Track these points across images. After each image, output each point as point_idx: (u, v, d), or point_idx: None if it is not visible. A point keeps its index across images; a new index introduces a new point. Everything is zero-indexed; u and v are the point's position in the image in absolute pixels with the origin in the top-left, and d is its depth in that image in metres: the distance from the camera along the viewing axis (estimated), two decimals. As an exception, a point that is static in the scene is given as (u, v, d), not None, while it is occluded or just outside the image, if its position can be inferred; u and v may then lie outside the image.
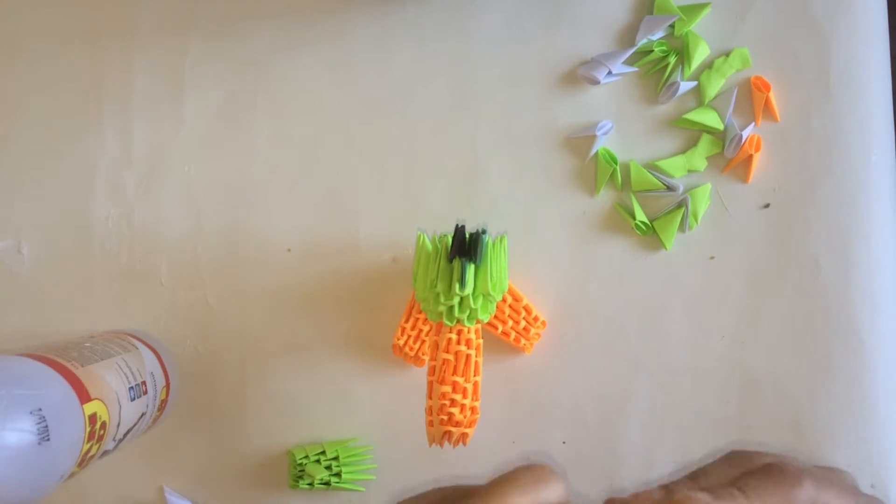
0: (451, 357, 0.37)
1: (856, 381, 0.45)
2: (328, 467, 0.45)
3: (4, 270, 0.47)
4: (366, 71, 0.47)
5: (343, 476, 0.45)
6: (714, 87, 0.45)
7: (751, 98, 0.45)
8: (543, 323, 0.45)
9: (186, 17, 0.47)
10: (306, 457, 0.45)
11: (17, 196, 0.47)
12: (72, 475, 0.34)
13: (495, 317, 0.44)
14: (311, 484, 0.45)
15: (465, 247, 0.36)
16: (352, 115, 0.47)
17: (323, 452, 0.45)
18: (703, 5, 0.45)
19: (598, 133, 0.45)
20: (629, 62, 0.45)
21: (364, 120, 0.47)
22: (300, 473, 0.45)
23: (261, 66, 0.47)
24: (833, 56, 0.45)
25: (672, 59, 0.45)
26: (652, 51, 0.45)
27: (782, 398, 0.45)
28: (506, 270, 0.39)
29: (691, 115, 0.45)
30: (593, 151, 0.45)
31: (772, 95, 0.45)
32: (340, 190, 0.47)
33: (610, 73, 0.45)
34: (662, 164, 0.45)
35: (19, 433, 0.30)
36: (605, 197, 0.46)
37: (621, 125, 0.46)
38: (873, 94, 0.45)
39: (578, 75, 0.46)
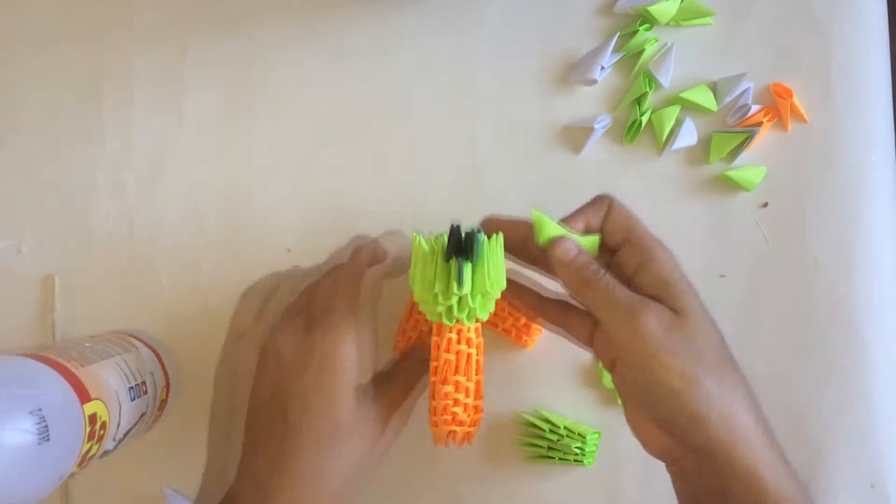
0: (452, 357, 0.37)
1: (856, 381, 0.45)
2: None
3: (4, 270, 0.47)
4: (366, 71, 0.47)
5: None
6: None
7: (775, 104, 0.45)
8: (544, 321, 0.45)
9: (186, 17, 0.47)
10: None
11: (17, 196, 0.47)
12: (72, 475, 0.34)
13: (495, 315, 0.44)
14: None
15: (462, 246, 0.36)
16: (352, 114, 0.47)
17: None
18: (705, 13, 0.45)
19: (597, 126, 0.45)
20: (616, 50, 0.45)
21: (364, 120, 0.47)
22: None
23: (261, 66, 0.47)
24: (833, 56, 0.45)
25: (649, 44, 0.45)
26: (636, 31, 0.45)
27: (782, 398, 0.45)
28: (503, 268, 0.39)
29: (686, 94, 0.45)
30: (589, 146, 0.45)
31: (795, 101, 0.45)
32: (340, 190, 0.47)
33: (603, 68, 0.45)
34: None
35: (19, 433, 0.30)
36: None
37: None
38: (873, 94, 0.45)
39: (572, 81, 0.46)
